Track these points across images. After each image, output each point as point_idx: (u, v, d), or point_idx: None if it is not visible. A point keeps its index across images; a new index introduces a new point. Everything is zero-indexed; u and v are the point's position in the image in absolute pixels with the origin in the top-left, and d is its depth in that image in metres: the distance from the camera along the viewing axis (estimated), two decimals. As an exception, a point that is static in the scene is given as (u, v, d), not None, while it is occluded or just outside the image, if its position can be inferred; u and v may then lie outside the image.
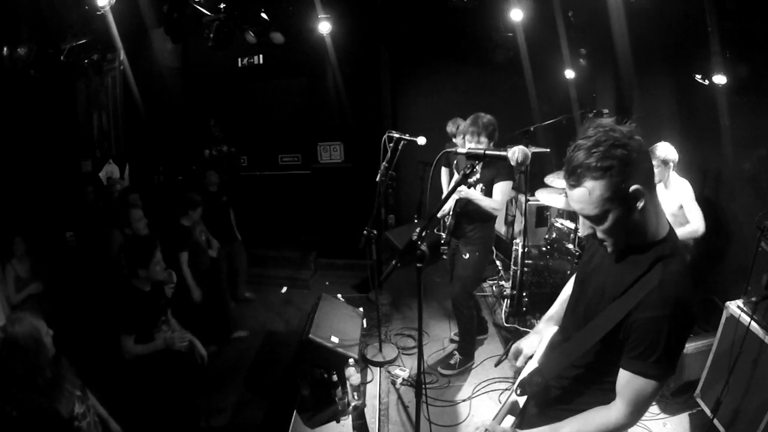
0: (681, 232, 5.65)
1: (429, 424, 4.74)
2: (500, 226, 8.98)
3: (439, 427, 5.00)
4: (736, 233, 5.83)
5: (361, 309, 6.54)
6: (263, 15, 7.69)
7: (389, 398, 5.60)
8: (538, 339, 2.80)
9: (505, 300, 7.16)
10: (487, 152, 3.11)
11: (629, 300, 2.10)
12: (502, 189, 5.33)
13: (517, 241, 6.92)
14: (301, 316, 7.47)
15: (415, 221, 6.75)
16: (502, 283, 7.84)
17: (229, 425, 5.38)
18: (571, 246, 6.33)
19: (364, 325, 6.41)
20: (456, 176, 5.88)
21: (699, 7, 5.33)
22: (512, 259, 7.16)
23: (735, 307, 4.38)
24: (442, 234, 5.87)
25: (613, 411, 2.17)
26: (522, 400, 2.55)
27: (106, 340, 4.64)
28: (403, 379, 5.78)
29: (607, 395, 2.23)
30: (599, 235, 2.15)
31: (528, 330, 6.15)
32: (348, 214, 8.63)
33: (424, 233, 3.18)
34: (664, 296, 2.01)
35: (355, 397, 5.03)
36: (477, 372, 5.94)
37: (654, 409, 5.02)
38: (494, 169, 5.31)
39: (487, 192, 5.31)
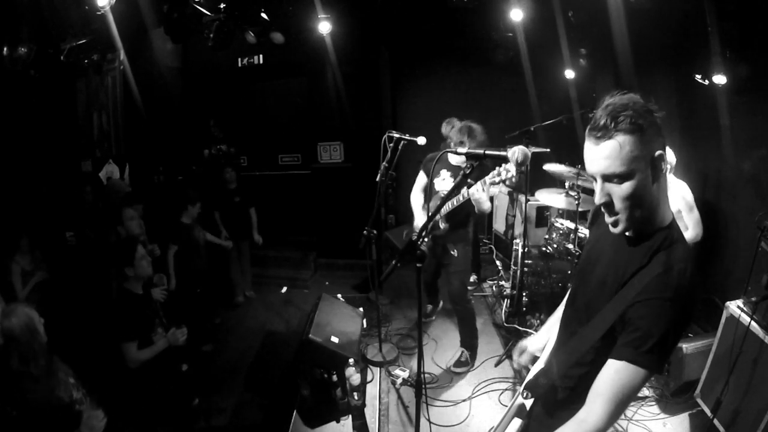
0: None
1: (429, 424, 4.73)
2: (500, 226, 9.00)
3: (439, 427, 4.99)
4: (736, 233, 5.83)
5: (361, 309, 6.49)
6: (263, 15, 7.70)
7: (389, 398, 5.59)
8: (545, 339, 2.77)
9: (505, 300, 7.14)
10: (486, 152, 3.11)
11: (631, 290, 2.06)
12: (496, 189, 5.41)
13: (517, 241, 6.92)
14: (301, 316, 7.42)
15: (390, 222, 6.75)
16: (502, 283, 7.83)
17: (228, 425, 5.37)
18: (571, 246, 6.32)
19: (364, 325, 6.38)
20: (438, 178, 5.89)
21: (699, 7, 5.33)
22: (512, 259, 7.16)
23: (735, 307, 4.38)
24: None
25: (590, 419, 2.04)
26: (529, 403, 2.52)
27: (107, 347, 4.62)
28: (403, 379, 5.77)
29: None
30: (617, 205, 2.08)
31: (528, 330, 6.20)
32: (348, 214, 8.65)
33: (424, 233, 3.18)
34: (666, 282, 1.97)
35: (355, 397, 5.02)
36: (477, 372, 5.93)
37: (654, 409, 5.02)
38: (480, 168, 5.35)
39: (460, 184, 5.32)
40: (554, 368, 2.43)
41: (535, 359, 2.74)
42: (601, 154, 2.02)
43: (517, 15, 7.13)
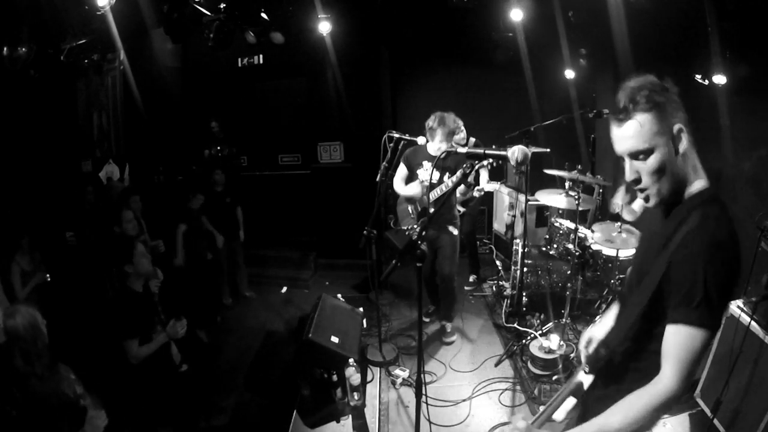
0: None
1: (429, 424, 4.73)
2: (500, 226, 8.99)
3: (439, 427, 4.98)
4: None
5: (361, 309, 6.52)
6: (263, 15, 7.70)
7: (389, 398, 5.58)
8: (608, 324, 2.77)
9: (505, 300, 7.14)
10: (486, 152, 3.11)
11: (669, 248, 2.10)
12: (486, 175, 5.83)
13: (517, 241, 6.91)
14: (301, 316, 7.32)
15: (390, 223, 6.75)
16: (502, 283, 7.80)
17: (228, 425, 5.35)
18: (571, 246, 6.31)
19: (364, 325, 6.41)
20: (421, 169, 6.06)
21: (699, 7, 5.34)
22: (512, 259, 7.15)
23: (735, 307, 4.37)
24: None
25: (660, 381, 2.06)
26: (588, 380, 2.53)
27: (108, 345, 4.62)
28: (403, 379, 5.77)
29: None
30: (644, 180, 2.15)
31: (528, 330, 6.19)
32: (348, 214, 8.62)
33: (423, 233, 3.18)
34: (700, 236, 2.01)
35: (355, 397, 5.02)
36: (477, 372, 5.91)
37: (654, 409, 4.99)
38: (457, 158, 5.66)
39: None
40: (612, 338, 2.47)
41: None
42: (625, 134, 2.13)
43: (517, 15, 7.14)
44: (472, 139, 7.41)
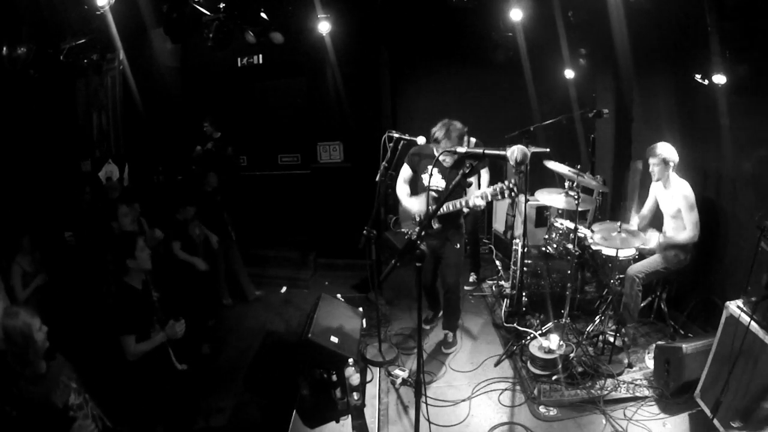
0: (679, 238, 5.73)
1: (428, 424, 4.73)
2: (500, 226, 8.99)
3: (439, 427, 4.99)
4: (735, 233, 5.82)
5: (360, 309, 6.52)
6: (263, 15, 7.70)
7: (389, 398, 5.58)
8: None
9: (505, 300, 7.15)
10: (486, 152, 3.12)
11: None
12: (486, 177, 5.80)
13: (517, 241, 6.92)
14: (300, 316, 7.43)
15: (390, 225, 6.75)
16: (502, 283, 7.82)
17: (228, 425, 5.35)
18: (570, 246, 6.31)
19: (364, 325, 6.40)
20: (426, 174, 5.95)
21: (699, 7, 5.33)
22: (512, 259, 7.15)
23: (735, 307, 4.37)
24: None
25: None
26: None
27: (106, 341, 4.64)
28: (403, 379, 5.76)
29: None
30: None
31: (527, 330, 6.19)
32: (347, 214, 8.59)
33: (423, 233, 3.19)
34: None
35: (355, 397, 5.03)
36: (476, 372, 5.92)
37: (654, 409, 5.03)
38: (460, 163, 5.62)
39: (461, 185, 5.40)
40: None
41: None
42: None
43: (516, 15, 7.13)
44: (473, 140, 7.40)
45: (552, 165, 6.56)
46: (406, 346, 6.60)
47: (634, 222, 6.44)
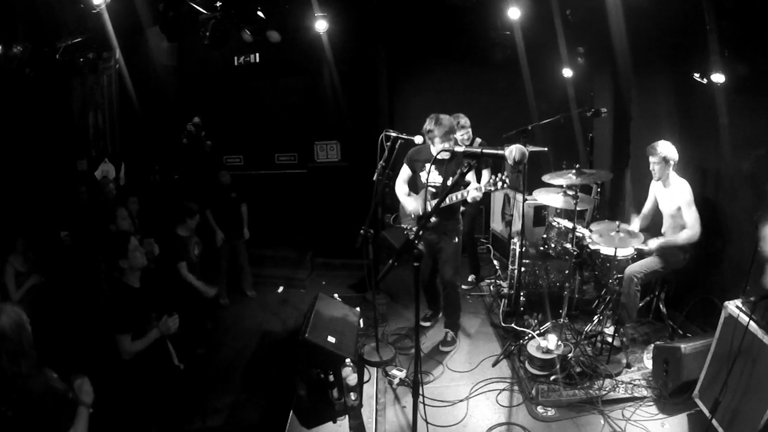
0: (679, 238, 5.73)
1: (426, 425, 4.71)
2: (497, 226, 8.98)
3: (436, 428, 4.95)
4: (734, 233, 5.81)
5: (357, 309, 6.53)
6: (259, 13, 7.69)
7: (386, 398, 5.55)
8: None
9: (503, 300, 7.14)
10: (484, 151, 3.10)
11: None
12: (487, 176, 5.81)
13: (515, 240, 6.90)
14: (297, 316, 7.41)
15: (389, 221, 6.75)
16: (500, 282, 7.83)
17: (225, 425, 5.34)
18: (568, 245, 6.30)
19: (361, 325, 6.42)
20: (423, 171, 5.96)
21: (697, 6, 5.32)
22: (510, 259, 7.13)
23: (734, 306, 4.35)
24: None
25: None
26: None
27: (101, 340, 4.63)
28: (400, 379, 5.74)
29: None
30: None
31: (525, 330, 6.18)
32: (345, 214, 8.60)
33: (421, 233, 3.17)
34: None
35: (352, 397, 5.00)
36: (474, 372, 5.89)
37: (652, 409, 5.01)
38: (459, 161, 5.59)
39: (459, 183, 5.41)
40: None
41: None
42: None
43: (514, 13, 7.14)
44: (478, 139, 7.38)
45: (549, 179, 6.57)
46: (403, 345, 6.56)
47: (635, 224, 6.41)
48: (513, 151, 3.00)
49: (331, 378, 5.16)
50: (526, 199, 6.26)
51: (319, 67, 9.01)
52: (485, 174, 6.46)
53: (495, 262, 8.56)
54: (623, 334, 6.00)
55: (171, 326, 4.65)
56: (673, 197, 5.75)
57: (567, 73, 8.76)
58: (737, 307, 4.31)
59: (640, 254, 6.15)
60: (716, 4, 5.16)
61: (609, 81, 8.52)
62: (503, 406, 5.27)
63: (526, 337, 6.06)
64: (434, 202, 5.61)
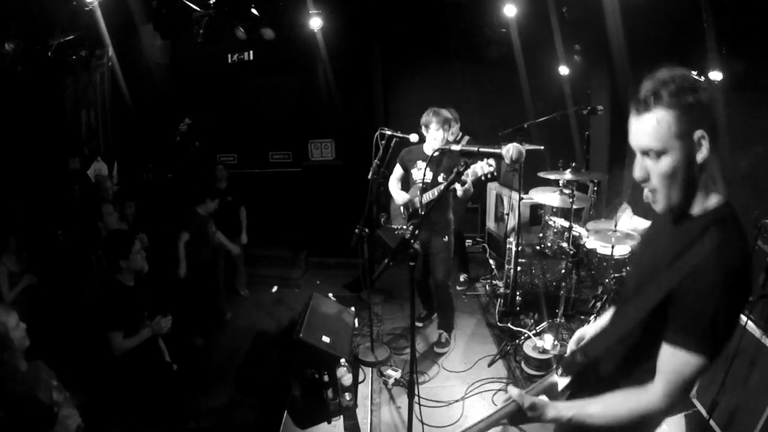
0: None
1: (421, 425, 4.69)
2: (493, 225, 8.96)
3: (432, 428, 4.94)
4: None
5: (352, 308, 6.48)
6: (253, 11, 7.65)
7: (381, 399, 5.53)
8: (601, 323, 2.66)
9: (499, 299, 7.12)
10: (481, 150, 3.08)
11: (679, 269, 1.95)
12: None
13: (511, 239, 6.88)
14: (292, 316, 7.40)
15: (382, 222, 6.74)
16: (496, 282, 7.81)
17: (218, 426, 5.32)
18: (565, 244, 6.28)
19: (356, 325, 6.38)
20: (414, 168, 5.98)
21: (695, 3, 5.31)
22: (505, 258, 7.11)
23: (731, 306, 4.30)
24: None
25: (649, 392, 1.98)
26: (563, 382, 2.41)
27: (94, 338, 4.63)
28: (395, 380, 5.72)
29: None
30: (653, 181, 2.02)
31: (521, 330, 6.16)
32: (339, 213, 8.60)
33: (417, 231, 3.14)
34: (716, 264, 1.85)
35: (347, 397, 4.99)
36: (470, 372, 5.87)
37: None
38: (453, 158, 5.55)
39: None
40: (594, 347, 2.40)
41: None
42: (639, 128, 2.00)
43: (510, 10, 7.13)
44: (466, 137, 7.36)
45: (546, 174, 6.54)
46: (398, 345, 6.55)
47: (626, 215, 6.39)
48: (510, 150, 2.98)
49: (326, 378, 5.14)
50: (522, 198, 6.24)
51: (313, 65, 8.99)
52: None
53: (491, 261, 8.54)
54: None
55: (164, 326, 4.66)
56: None
57: (563, 70, 8.74)
58: (735, 306, 4.27)
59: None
60: (714, 1, 5.15)
61: (605, 79, 8.53)
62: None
63: (522, 337, 6.06)
64: (425, 198, 5.60)
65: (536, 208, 7.80)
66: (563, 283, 6.11)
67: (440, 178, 5.62)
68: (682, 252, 1.98)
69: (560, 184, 6.38)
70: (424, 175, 5.69)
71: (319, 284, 8.80)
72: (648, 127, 1.95)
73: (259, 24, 7.94)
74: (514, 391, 2.17)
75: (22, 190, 7.72)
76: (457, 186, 5.16)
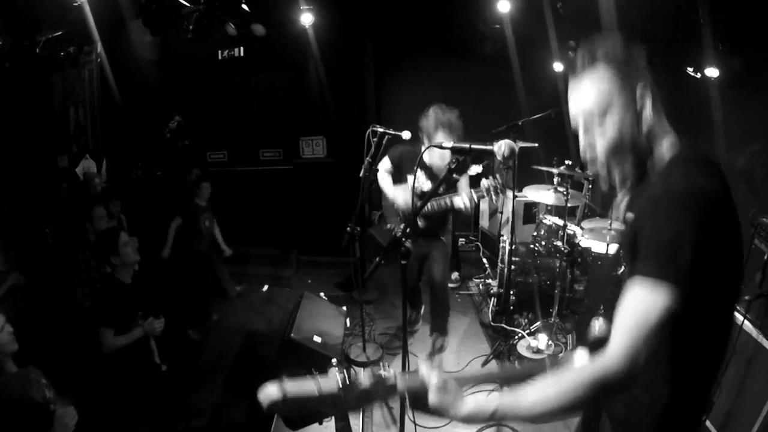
0: None
1: (414, 426, 4.63)
2: (486, 223, 8.93)
3: (424, 429, 4.84)
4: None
5: (344, 308, 6.48)
6: (244, 6, 7.60)
7: (373, 400, 5.46)
8: None
9: (492, 298, 7.07)
10: (473, 146, 3.03)
11: (641, 208, 1.84)
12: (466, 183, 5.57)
13: (504, 238, 6.83)
14: (282, 315, 7.35)
15: (374, 220, 6.72)
16: (489, 281, 7.76)
17: (209, 427, 5.27)
18: (559, 243, 6.24)
19: (348, 325, 6.35)
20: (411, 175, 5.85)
21: (691, -1, 5.29)
22: (499, 257, 7.06)
23: (727, 305, 4.26)
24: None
25: (605, 354, 1.65)
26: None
27: (83, 337, 4.66)
28: (388, 380, 5.64)
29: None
30: (600, 153, 1.94)
31: (515, 329, 6.12)
32: (331, 211, 8.60)
33: (408, 230, 3.09)
34: (678, 187, 1.71)
35: (338, 398, 4.92)
36: (463, 373, 5.79)
37: (645, 410, 4.92)
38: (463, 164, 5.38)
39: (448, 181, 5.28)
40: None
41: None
42: (581, 92, 1.95)
43: (504, 6, 7.11)
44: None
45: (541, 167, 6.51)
46: (391, 345, 6.51)
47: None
48: (502, 147, 2.93)
49: None
50: (516, 196, 6.20)
51: (304, 62, 8.96)
52: (463, 183, 6.29)
53: (484, 260, 8.51)
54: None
55: (156, 328, 4.66)
56: None
57: (558, 67, 8.70)
58: (731, 306, 4.23)
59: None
60: (710, -3, 5.13)
61: (600, 75, 8.47)
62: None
63: (516, 337, 6.02)
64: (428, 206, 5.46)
65: (530, 206, 7.77)
66: (558, 282, 6.08)
67: (441, 189, 5.46)
68: (646, 198, 1.86)
69: (555, 182, 6.34)
70: (417, 180, 5.62)
71: (310, 283, 8.75)
72: (589, 86, 1.91)
73: (249, 20, 7.90)
74: (423, 367, 1.86)
75: (10, 188, 7.65)
76: (457, 200, 5.15)
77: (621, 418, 2.10)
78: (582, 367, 1.74)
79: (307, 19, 7.71)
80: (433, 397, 1.79)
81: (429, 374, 1.82)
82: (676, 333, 1.71)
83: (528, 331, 6.08)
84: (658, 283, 1.63)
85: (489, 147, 2.93)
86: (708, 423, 4.23)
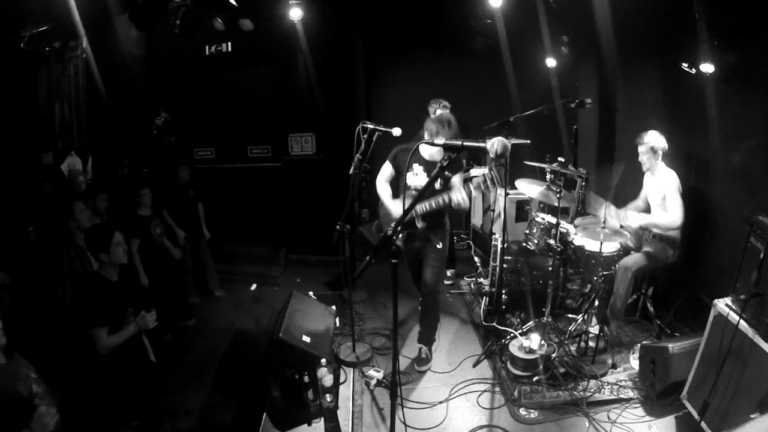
0: (660, 219, 5.77)
1: (404, 427, 4.59)
2: (478, 221, 8.90)
3: (415, 430, 4.88)
4: (724, 228, 5.81)
5: (333, 307, 6.46)
6: (231, 1, 7.57)
7: (363, 400, 5.46)
8: None
9: (484, 298, 7.02)
10: (465, 143, 3.00)
11: None
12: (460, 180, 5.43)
13: (496, 236, 6.79)
14: (271, 315, 7.33)
15: (373, 230, 6.69)
16: (481, 280, 7.73)
17: (196, 428, 5.23)
18: (552, 241, 6.21)
19: (337, 324, 6.34)
20: (411, 173, 5.73)
21: (686, -7, 5.26)
22: (491, 255, 7.02)
23: (723, 305, 4.28)
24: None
25: None
26: None
27: (72, 337, 4.69)
28: (378, 381, 5.65)
29: None
30: None
31: (507, 329, 6.09)
32: (320, 209, 8.58)
33: (399, 228, 3.04)
34: None
35: (328, 398, 4.88)
36: (455, 373, 5.82)
37: (639, 411, 4.94)
38: (457, 161, 5.44)
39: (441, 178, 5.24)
40: None
41: None
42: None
43: (496, 1, 7.04)
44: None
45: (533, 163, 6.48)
46: (381, 346, 6.46)
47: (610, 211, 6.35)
48: (495, 144, 2.92)
49: (306, 379, 5.07)
50: (508, 194, 6.16)
51: (293, 57, 8.92)
52: (457, 180, 6.22)
53: (476, 258, 8.50)
54: (607, 334, 5.92)
55: (149, 321, 4.61)
56: (659, 185, 5.75)
57: (550, 62, 8.73)
58: (727, 305, 4.24)
59: (626, 250, 6.09)
60: (705, -8, 5.10)
61: (594, 71, 8.54)
62: (484, 408, 5.20)
63: (508, 337, 5.98)
64: (420, 208, 5.42)
65: (523, 204, 7.75)
66: (550, 281, 6.08)
67: (437, 185, 5.37)
68: None
69: (547, 179, 6.30)
70: (416, 178, 5.58)
71: (299, 282, 8.73)
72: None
73: (237, 14, 7.92)
74: None
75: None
76: (454, 196, 5.09)
77: None
78: None
79: (295, 13, 7.66)
80: None
81: None
82: None
83: (520, 330, 6.04)
84: None
85: (482, 144, 2.91)
86: (703, 424, 4.23)
